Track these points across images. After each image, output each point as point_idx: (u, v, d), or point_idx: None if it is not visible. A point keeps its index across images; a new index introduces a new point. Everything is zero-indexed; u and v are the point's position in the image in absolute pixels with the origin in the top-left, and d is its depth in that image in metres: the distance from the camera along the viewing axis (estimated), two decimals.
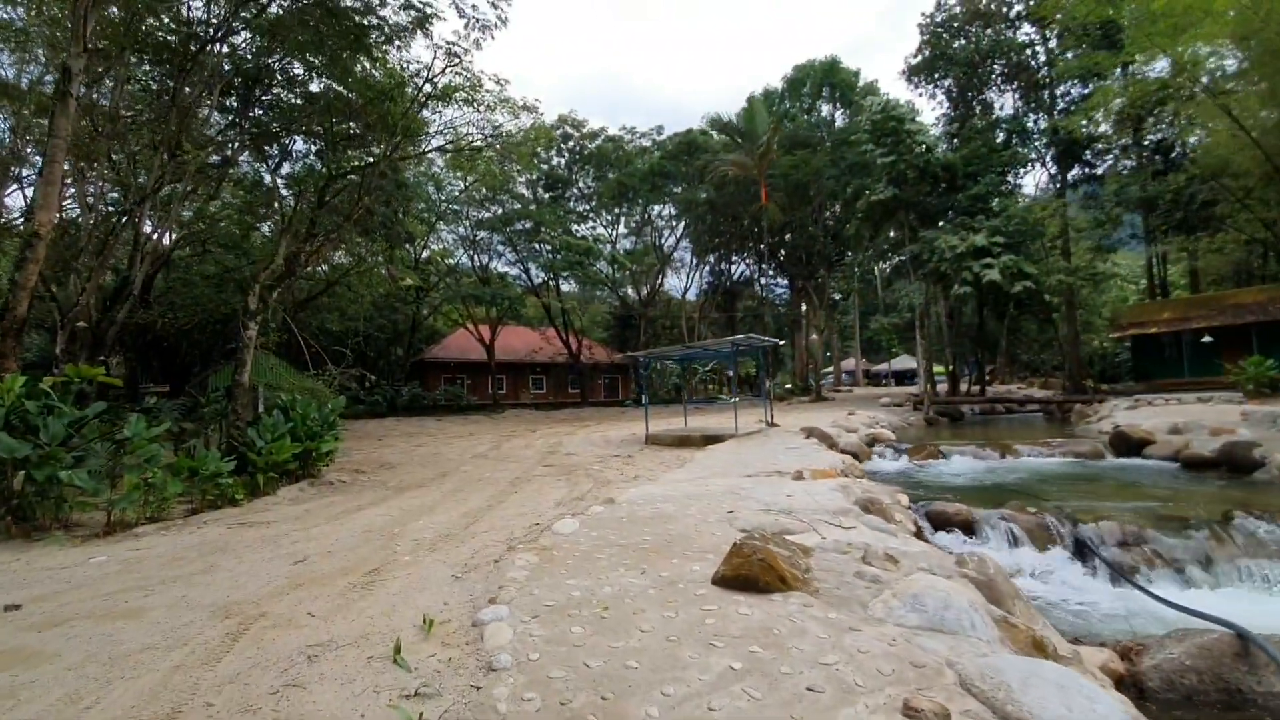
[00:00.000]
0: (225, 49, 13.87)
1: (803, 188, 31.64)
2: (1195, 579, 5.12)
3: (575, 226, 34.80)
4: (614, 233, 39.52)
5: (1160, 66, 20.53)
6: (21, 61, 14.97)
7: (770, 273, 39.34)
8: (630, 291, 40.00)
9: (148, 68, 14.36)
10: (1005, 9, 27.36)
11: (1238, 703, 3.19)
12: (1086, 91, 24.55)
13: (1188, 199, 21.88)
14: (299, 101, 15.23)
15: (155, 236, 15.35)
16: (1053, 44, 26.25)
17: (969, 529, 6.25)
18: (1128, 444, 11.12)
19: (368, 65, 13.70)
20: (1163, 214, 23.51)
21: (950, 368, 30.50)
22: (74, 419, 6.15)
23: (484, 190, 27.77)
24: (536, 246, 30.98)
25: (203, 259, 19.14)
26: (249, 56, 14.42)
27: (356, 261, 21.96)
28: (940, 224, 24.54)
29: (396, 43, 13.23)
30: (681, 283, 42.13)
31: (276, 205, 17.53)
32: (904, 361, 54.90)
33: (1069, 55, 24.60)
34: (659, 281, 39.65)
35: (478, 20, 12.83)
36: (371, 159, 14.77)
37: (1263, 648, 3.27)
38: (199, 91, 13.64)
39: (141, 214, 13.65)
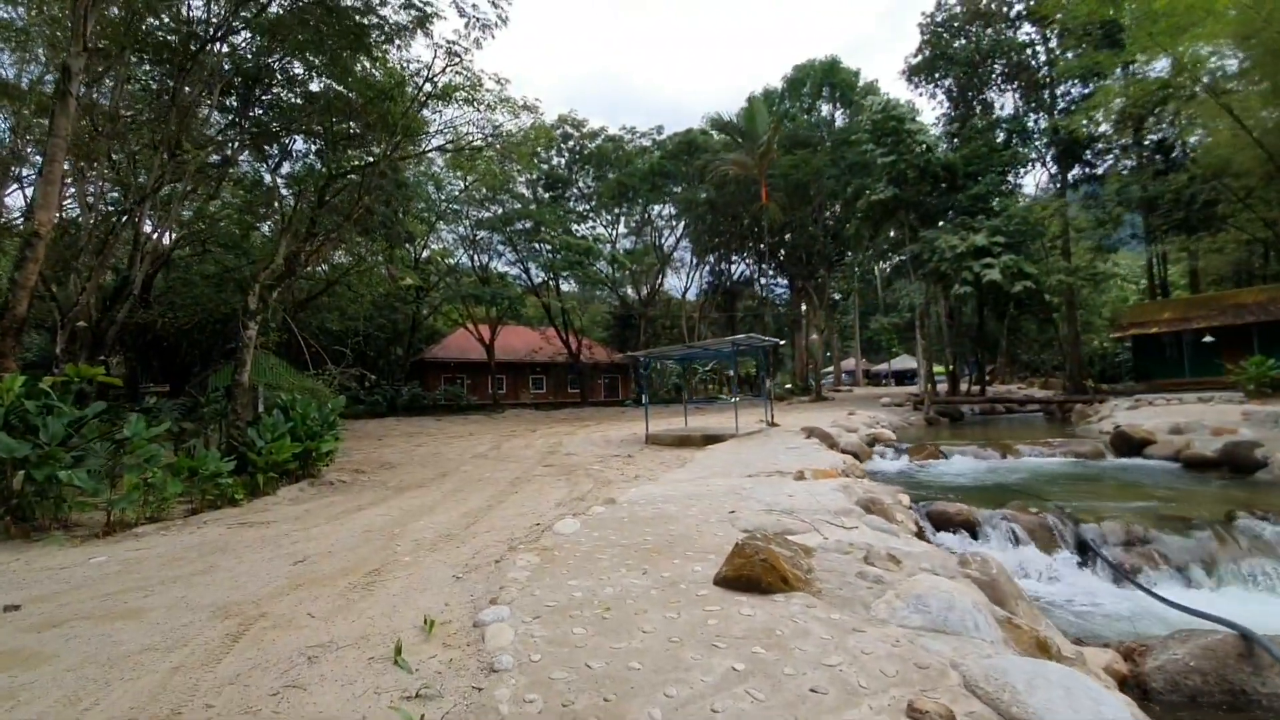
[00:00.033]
0: (225, 48, 13.86)
1: (803, 187, 31.64)
2: (1198, 579, 5.11)
3: (575, 226, 34.80)
4: (614, 232, 39.55)
5: (1161, 66, 20.55)
6: (21, 61, 14.96)
7: (770, 273, 39.35)
8: (630, 291, 40.01)
9: (148, 67, 14.35)
10: (1006, 9, 27.34)
11: (1242, 704, 3.18)
12: (1087, 91, 24.53)
13: (1189, 199, 21.86)
14: (299, 101, 15.22)
15: (155, 236, 15.34)
16: (1053, 43, 26.23)
17: (971, 529, 6.23)
18: (1129, 444, 11.10)
19: (368, 65, 13.70)
20: (1164, 214, 23.49)
21: (950, 368, 30.48)
22: (74, 419, 6.13)
23: (484, 190, 27.77)
24: (536, 246, 30.97)
25: (203, 259, 19.14)
26: (249, 56, 14.41)
27: (356, 261, 21.96)
28: (940, 224, 24.53)
29: (396, 42, 13.23)
30: (681, 283, 42.21)
31: (276, 205, 17.52)
32: (904, 361, 54.92)
33: (1069, 55, 24.59)
34: (659, 281, 39.67)
35: (478, 19, 12.84)
36: (371, 158, 14.77)
37: (1267, 649, 3.25)
38: (199, 91, 13.62)
39: (141, 213, 13.64)
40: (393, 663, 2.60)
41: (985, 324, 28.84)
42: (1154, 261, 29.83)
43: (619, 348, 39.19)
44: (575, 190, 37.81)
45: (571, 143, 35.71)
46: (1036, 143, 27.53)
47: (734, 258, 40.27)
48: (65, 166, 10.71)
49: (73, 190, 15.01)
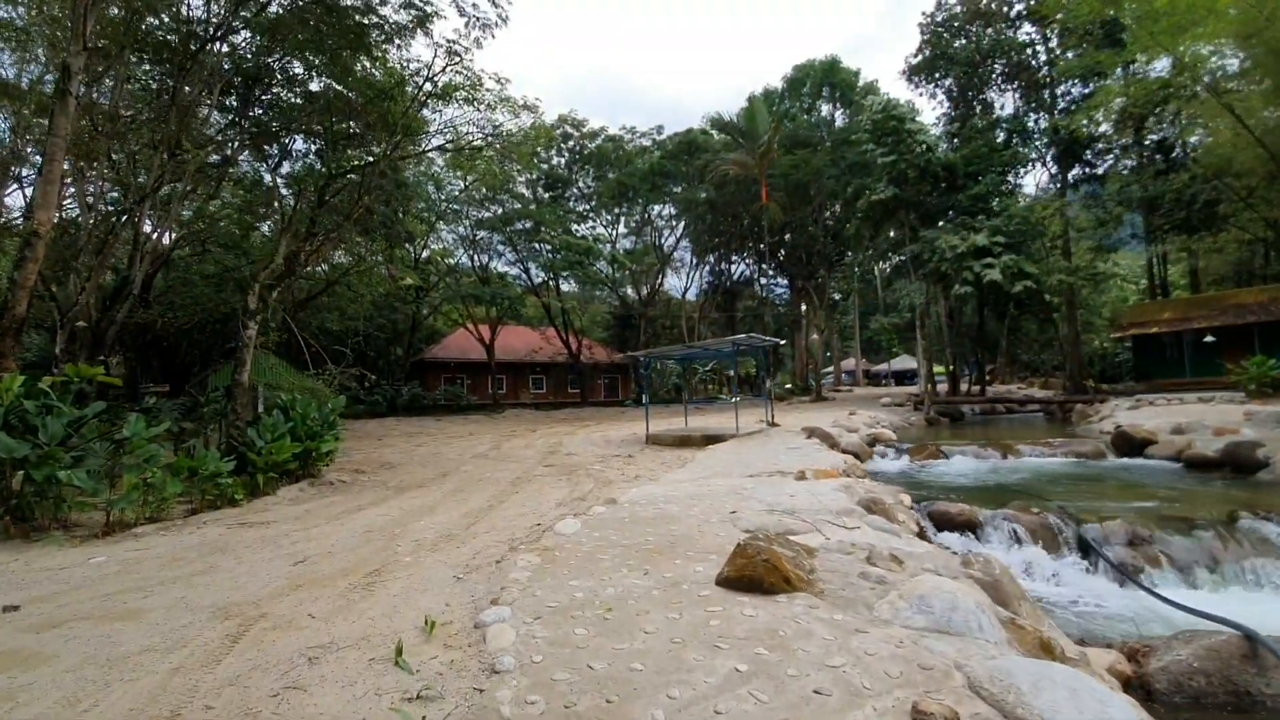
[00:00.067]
0: (225, 48, 13.85)
1: (803, 187, 31.63)
2: (1201, 580, 5.10)
3: (575, 226, 34.78)
4: (614, 232, 39.54)
5: (1162, 66, 20.54)
6: (21, 61, 14.96)
7: (770, 273, 39.34)
8: (630, 291, 39.99)
9: (147, 67, 14.34)
10: (1006, 8, 27.32)
11: (1246, 705, 3.17)
12: (1087, 91, 24.51)
13: (1190, 198, 21.85)
14: (299, 101, 15.20)
15: (155, 236, 15.33)
16: (1054, 43, 26.21)
17: (973, 529, 6.22)
18: (1130, 444, 11.08)
19: (368, 64, 13.68)
20: (1164, 214, 23.48)
21: (950, 368, 30.47)
22: (73, 419, 6.12)
23: (484, 190, 27.76)
24: (536, 246, 30.96)
25: (202, 258, 19.11)
26: (249, 56, 14.40)
27: (356, 261, 21.95)
28: (941, 224, 24.51)
29: (397, 41, 13.22)
30: (681, 283, 42.21)
31: (276, 205, 17.51)
32: (904, 361, 54.89)
33: (1070, 54, 24.58)
34: (659, 281, 39.65)
35: (478, 19, 12.83)
36: (371, 158, 14.76)
37: (1271, 649, 3.24)
38: (199, 91, 13.61)
39: (141, 213, 13.63)
40: (393, 664, 2.58)
41: (985, 324, 28.83)
42: (1154, 261, 29.80)
43: (619, 348, 39.17)
44: (575, 190, 37.80)
45: (571, 142, 35.70)
46: (1037, 143, 27.51)
47: (734, 258, 40.28)
48: (65, 166, 10.70)
49: (72, 190, 15.00)
